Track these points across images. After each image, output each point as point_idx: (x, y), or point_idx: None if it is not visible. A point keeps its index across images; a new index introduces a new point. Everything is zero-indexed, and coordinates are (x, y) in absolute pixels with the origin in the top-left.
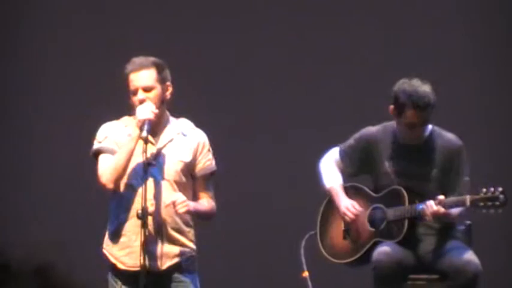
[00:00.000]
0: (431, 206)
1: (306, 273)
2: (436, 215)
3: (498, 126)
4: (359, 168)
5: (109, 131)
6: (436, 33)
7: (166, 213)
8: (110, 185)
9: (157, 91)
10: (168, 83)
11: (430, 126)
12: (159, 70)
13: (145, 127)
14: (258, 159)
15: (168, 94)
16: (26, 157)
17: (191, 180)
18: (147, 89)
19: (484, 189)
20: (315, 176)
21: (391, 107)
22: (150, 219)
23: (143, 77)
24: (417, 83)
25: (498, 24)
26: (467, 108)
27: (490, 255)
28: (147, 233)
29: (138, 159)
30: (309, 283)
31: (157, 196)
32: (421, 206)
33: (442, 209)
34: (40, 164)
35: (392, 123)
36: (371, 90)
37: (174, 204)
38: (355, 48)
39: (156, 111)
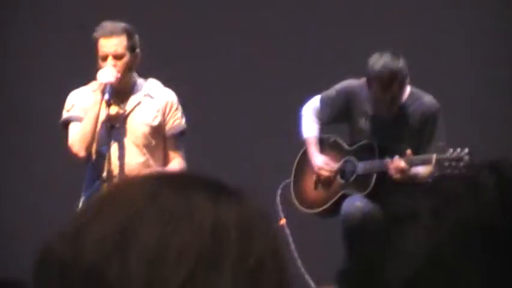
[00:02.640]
0: (396, 160)
1: (282, 221)
2: (398, 170)
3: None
4: (336, 118)
5: (76, 98)
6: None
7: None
8: (82, 153)
9: (126, 59)
10: (138, 50)
11: (408, 89)
12: (129, 37)
13: (107, 90)
14: (232, 110)
15: (137, 61)
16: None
17: (162, 142)
18: (117, 57)
19: (451, 150)
20: (293, 125)
21: (366, 78)
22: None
23: (114, 43)
24: (387, 58)
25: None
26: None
27: None
28: None
29: (104, 123)
30: (287, 231)
31: (122, 159)
32: (386, 159)
33: (402, 164)
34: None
35: None
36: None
37: None
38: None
39: (118, 75)
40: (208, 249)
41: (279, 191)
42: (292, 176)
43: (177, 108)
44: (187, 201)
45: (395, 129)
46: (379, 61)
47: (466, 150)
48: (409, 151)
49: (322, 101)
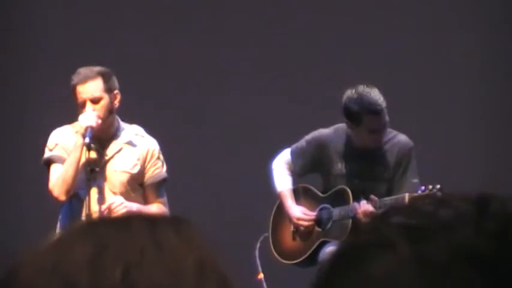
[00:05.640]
0: (363, 204)
1: (261, 275)
2: (367, 214)
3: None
4: (309, 169)
5: (59, 137)
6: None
7: None
8: (62, 197)
9: (105, 101)
10: (116, 91)
11: None
12: (105, 79)
13: (88, 134)
14: (211, 161)
15: (116, 102)
16: None
17: (141, 191)
18: (94, 101)
19: (423, 187)
20: (267, 178)
21: (347, 121)
22: None
23: (89, 88)
24: (365, 89)
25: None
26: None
27: None
28: None
29: (83, 167)
30: (264, 285)
31: (101, 204)
32: (355, 204)
33: (370, 208)
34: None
35: (343, 125)
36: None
37: (110, 208)
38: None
39: (99, 121)
40: (148, 247)
41: (258, 245)
42: (270, 229)
43: (158, 157)
44: (122, 226)
45: (374, 168)
46: (370, 94)
47: (438, 186)
48: (373, 196)
49: (292, 153)
